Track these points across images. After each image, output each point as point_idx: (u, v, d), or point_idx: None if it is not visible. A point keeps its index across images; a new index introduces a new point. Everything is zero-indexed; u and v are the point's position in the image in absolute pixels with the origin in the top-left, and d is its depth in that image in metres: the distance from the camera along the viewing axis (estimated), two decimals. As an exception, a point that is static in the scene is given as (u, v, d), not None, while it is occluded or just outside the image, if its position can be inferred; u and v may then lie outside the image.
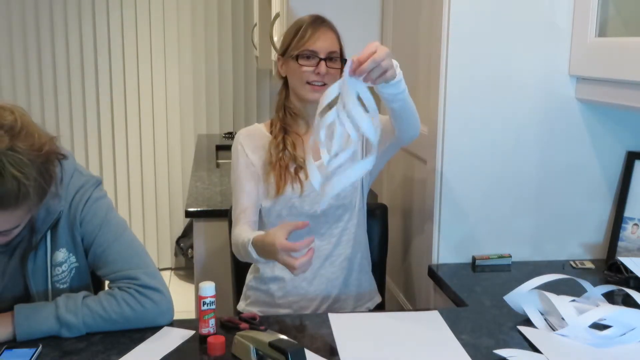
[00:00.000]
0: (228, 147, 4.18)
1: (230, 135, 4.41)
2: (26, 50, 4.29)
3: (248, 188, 1.73)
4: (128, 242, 1.44)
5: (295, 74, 1.69)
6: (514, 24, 1.75)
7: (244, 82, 4.60)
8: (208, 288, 1.31)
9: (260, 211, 1.75)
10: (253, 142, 1.77)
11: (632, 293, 1.43)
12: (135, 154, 4.54)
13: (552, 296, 1.43)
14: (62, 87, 4.37)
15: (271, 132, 1.77)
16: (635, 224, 1.80)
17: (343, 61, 1.70)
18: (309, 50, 1.66)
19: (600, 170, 1.86)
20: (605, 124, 1.83)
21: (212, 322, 1.32)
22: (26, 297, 1.42)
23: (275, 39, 2.88)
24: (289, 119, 1.75)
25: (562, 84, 1.79)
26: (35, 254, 1.40)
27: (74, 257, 1.43)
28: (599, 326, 1.37)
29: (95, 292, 1.45)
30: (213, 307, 1.32)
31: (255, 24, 3.98)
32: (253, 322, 1.39)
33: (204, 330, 1.32)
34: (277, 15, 2.75)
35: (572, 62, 1.77)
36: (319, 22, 1.69)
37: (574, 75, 1.78)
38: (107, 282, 1.46)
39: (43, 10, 4.25)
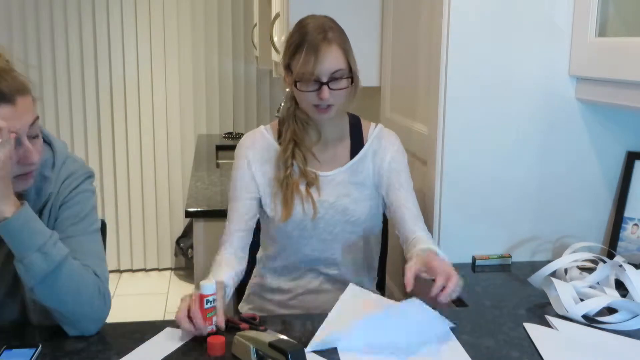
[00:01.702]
0: (228, 147, 4.21)
1: (231, 135, 4.41)
2: (26, 50, 4.29)
3: (242, 209, 1.65)
4: (93, 242, 1.42)
5: (298, 95, 1.58)
6: (514, 24, 1.74)
7: (244, 82, 4.60)
8: (209, 286, 1.32)
9: (271, 228, 1.69)
10: (259, 153, 1.67)
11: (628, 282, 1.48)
12: (135, 154, 4.54)
13: (557, 282, 1.48)
14: (62, 87, 4.37)
15: (278, 141, 1.68)
16: (635, 224, 1.80)
17: (352, 76, 1.57)
18: (309, 75, 1.52)
19: (600, 170, 1.86)
20: (605, 124, 1.83)
21: (214, 320, 1.32)
22: (16, 278, 1.41)
23: (275, 39, 2.88)
24: (299, 129, 1.65)
25: (562, 84, 1.79)
26: None
27: None
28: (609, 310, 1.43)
29: None
30: (215, 304, 1.32)
31: (255, 24, 3.98)
32: (253, 322, 1.39)
33: (207, 329, 1.32)
34: (277, 15, 2.75)
35: (572, 62, 1.77)
36: (320, 39, 1.52)
37: (574, 75, 1.78)
38: None
39: (43, 10, 4.25)
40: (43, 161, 1.39)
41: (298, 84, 1.55)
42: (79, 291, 1.31)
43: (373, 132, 1.71)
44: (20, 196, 1.35)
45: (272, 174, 1.66)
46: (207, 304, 1.31)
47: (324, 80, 1.53)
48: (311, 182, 1.64)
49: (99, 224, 1.47)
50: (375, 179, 1.69)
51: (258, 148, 1.68)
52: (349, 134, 1.71)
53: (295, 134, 1.64)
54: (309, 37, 1.53)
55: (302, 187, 1.64)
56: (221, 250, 1.63)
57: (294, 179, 1.63)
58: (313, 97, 1.55)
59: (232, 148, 4.39)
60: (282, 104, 1.75)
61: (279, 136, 1.69)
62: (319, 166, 1.68)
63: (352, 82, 1.57)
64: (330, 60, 1.53)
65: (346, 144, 1.71)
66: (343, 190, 1.66)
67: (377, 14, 2.29)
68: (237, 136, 4.36)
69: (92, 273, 1.35)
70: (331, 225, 1.66)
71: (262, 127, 1.74)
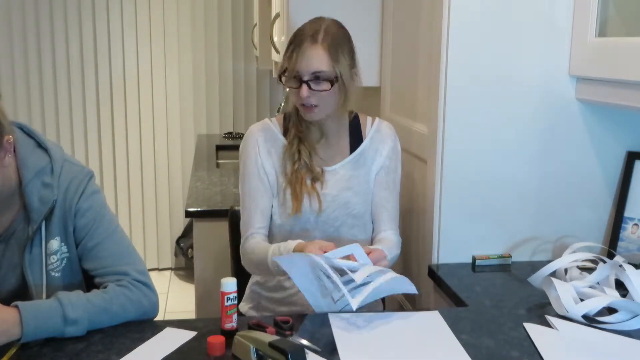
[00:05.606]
0: (228, 147, 4.20)
1: (231, 135, 4.41)
2: (26, 50, 4.29)
3: (262, 205, 1.67)
4: (119, 240, 1.47)
5: (288, 92, 1.66)
6: (514, 23, 1.74)
7: (244, 82, 4.60)
8: (230, 284, 1.33)
9: (273, 222, 1.69)
10: (267, 145, 1.70)
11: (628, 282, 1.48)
12: (136, 154, 4.54)
13: (557, 282, 1.48)
14: (62, 87, 4.37)
15: (284, 135, 1.71)
16: (635, 224, 1.80)
17: (334, 80, 1.58)
18: (291, 71, 1.59)
19: (600, 170, 1.86)
20: (605, 124, 1.83)
21: (235, 317, 1.33)
22: (23, 287, 1.41)
23: (275, 39, 2.88)
24: (303, 126, 1.69)
25: (562, 84, 1.79)
26: (31, 244, 1.41)
27: (65, 247, 1.44)
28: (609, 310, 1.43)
29: (87, 287, 1.48)
30: (235, 302, 1.34)
31: (255, 24, 3.98)
32: (282, 327, 1.36)
33: (228, 325, 1.33)
34: (277, 15, 2.75)
35: (572, 62, 1.77)
36: (306, 38, 1.58)
37: (574, 75, 1.78)
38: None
39: (43, 10, 4.25)
40: (41, 168, 1.39)
41: (282, 78, 1.62)
42: (125, 309, 1.38)
43: (372, 127, 1.76)
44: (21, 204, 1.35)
45: (279, 167, 1.69)
46: (227, 301, 1.32)
47: (304, 78, 1.58)
48: (316, 176, 1.67)
49: (116, 218, 1.51)
50: (375, 170, 1.74)
51: (265, 139, 1.71)
52: (348, 130, 1.74)
53: (299, 131, 1.69)
54: (299, 37, 1.60)
55: (308, 182, 1.67)
56: (251, 240, 1.65)
57: (302, 173, 1.66)
58: (296, 94, 1.61)
59: (232, 148, 4.39)
60: (282, 104, 1.77)
61: (284, 130, 1.73)
62: (322, 162, 1.71)
63: (332, 85, 1.58)
64: (311, 60, 1.57)
65: (345, 140, 1.74)
66: (345, 184, 1.70)
67: (377, 14, 2.29)
68: (237, 136, 4.36)
69: (118, 287, 1.39)
70: (333, 218, 1.67)
71: (267, 119, 1.77)
